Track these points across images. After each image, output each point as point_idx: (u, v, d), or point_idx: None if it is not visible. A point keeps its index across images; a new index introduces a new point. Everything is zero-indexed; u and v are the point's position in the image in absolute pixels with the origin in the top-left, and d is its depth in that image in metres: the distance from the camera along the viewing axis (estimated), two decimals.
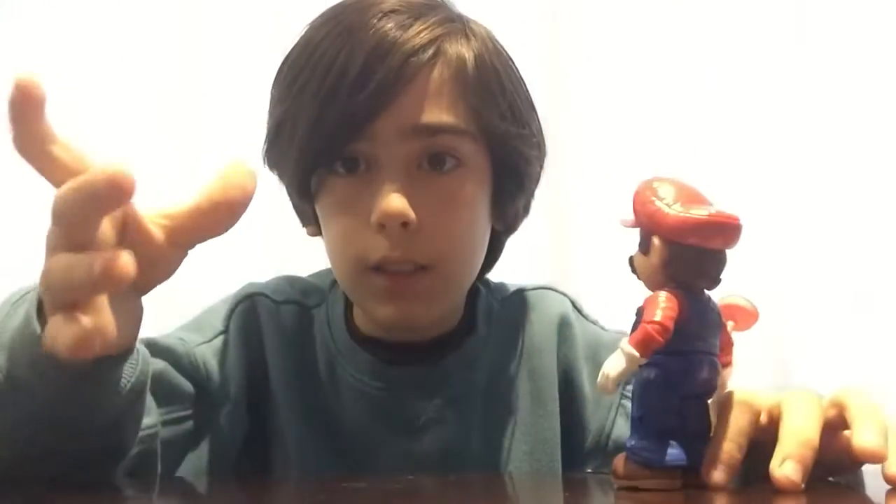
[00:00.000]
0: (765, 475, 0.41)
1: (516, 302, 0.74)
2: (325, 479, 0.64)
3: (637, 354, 0.39)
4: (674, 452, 0.41)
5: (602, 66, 1.38)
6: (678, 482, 0.41)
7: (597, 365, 0.56)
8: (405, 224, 0.59)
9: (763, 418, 0.44)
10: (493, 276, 0.76)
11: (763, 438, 0.43)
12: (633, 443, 0.42)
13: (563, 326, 0.72)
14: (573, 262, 1.34)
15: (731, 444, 0.42)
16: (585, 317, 0.75)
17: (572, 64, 1.38)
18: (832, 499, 0.42)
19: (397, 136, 0.60)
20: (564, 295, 0.76)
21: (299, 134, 0.61)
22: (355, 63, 0.58)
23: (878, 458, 0.40)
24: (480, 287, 0.73)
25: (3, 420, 0.45)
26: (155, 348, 0.62)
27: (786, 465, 0.40)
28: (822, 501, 0.41)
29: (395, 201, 0.59)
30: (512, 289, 0.76)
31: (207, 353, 0.66)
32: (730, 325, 0.47)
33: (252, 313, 0.70)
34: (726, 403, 0.43)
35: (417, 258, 0.61)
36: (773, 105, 1.37)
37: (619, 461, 0.43)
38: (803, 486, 0.40)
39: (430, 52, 0.60)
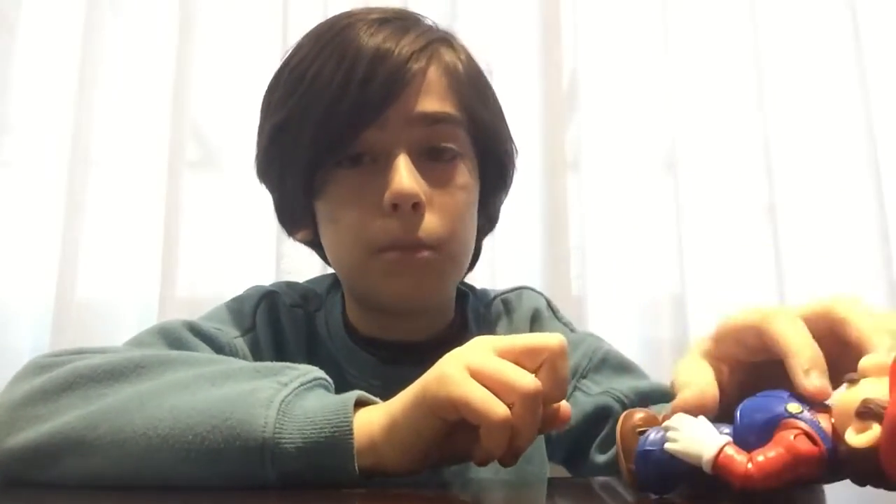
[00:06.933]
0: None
1: (498, 305, 0.79)
2: None
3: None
4: None
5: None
6: None
7: None
8: (415, 206, 0.64)
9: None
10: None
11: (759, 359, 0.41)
12: None
13: (536, 320, 0.77)
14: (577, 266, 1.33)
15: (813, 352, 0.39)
16: (559, 318, 0.79)
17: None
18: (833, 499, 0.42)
19: (405, 123, 0.65)
20: (540, 294, 0.81)
21: (310, 127, 0.65)
22: (362, 62, 0.64)
23: None
24: (468, 292, 0.78)
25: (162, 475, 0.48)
26: (198, 333, 0.64)
27: (812, 376, 0.38)
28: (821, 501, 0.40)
29: (409, 182, 0.63)
30: (494, 294, 0.80)
31: (245, 347, 0.69)
32: None
33: (274, 311, 0.72)
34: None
35: (424, 240, 0.65)
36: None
37: None
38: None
39: (427, 54, 0.67)
